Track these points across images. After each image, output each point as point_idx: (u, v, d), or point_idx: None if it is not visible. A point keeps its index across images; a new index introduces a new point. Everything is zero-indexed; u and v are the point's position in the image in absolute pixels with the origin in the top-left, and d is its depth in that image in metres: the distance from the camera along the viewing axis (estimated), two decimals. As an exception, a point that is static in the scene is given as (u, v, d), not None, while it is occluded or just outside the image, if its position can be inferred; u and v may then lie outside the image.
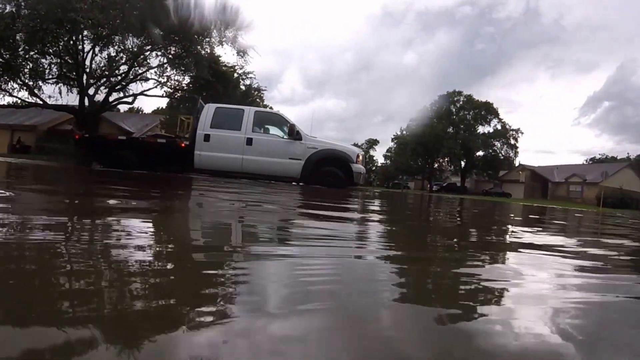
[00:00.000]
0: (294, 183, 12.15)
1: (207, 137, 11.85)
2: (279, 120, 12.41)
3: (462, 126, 64.60)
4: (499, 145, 64.91)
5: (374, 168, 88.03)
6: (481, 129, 66.14)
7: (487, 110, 65.63)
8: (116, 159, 12.08)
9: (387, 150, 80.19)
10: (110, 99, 29.54)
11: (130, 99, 30.90)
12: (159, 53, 27.38)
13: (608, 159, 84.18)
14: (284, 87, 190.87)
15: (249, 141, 11.81)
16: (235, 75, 30.94)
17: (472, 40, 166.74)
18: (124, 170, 11.50)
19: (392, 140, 73.15)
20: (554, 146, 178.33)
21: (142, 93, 29.92)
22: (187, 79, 29.39)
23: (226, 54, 43.18)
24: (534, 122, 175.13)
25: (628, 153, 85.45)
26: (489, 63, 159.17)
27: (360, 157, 12.20)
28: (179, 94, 30.85)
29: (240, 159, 11.80)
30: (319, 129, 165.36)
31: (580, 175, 60.01)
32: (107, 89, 28.97)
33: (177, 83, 29.76)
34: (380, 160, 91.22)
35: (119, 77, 28.95)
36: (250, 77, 32.12)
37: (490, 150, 64.35)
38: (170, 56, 26.86)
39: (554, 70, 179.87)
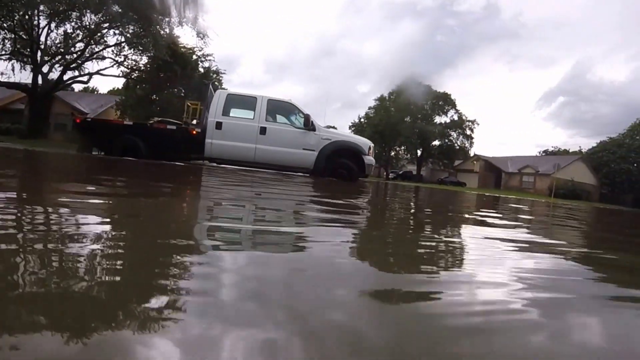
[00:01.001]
0: (300, 174, 11.96)
1: (219, 125, 11.50)
2: (292, 110, 12.12)
3: (419, 115, 65.86)
4: (455, 135, 66.52)
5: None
6: (438, 119, 67.58)
7: (445, 101, 67.12)
8: (120, 145, 11.67)
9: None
10: (65, 77, 29.47)
11: (85, 78, 30.99)
12: (117, 31, 27.44)
13: (560, 151, 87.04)
14: (244, 71, 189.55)
15: (263, 130, 11.53)
16: (194, 57, 31.03)
17: (433, 32, 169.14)
18: (129, 158, 11.16)
19: (350, 127, 73.83)
20: (508, 138, 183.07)
21: (98, 72, 30.01)
22: (144, 59, 29.47)
23: (185, 35, 43.07)
24: (490, 114, 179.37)
25: (580, 146, 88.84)
26: (449, 55, 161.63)
27: (371, 149, 12.08)
28: (136, 74, 30.79)
29: (253, 149, 11.53)
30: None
31: (533, 166, 62.13)
32: (61, 67, 28.87)
33: (134, 63, 29.91)
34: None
35: (75, 55, 28.85)
36: (210, 60, 32.28)
37: (447, 140, 65.91)
38: (128, 35, 26.88)
39: (512, 64, 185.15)
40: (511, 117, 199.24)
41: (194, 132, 11.84)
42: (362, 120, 70.91)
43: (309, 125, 11.66)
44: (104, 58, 29.19)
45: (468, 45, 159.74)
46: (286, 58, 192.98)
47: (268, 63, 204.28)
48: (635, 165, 58.85)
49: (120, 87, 41.33)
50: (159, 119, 14.12)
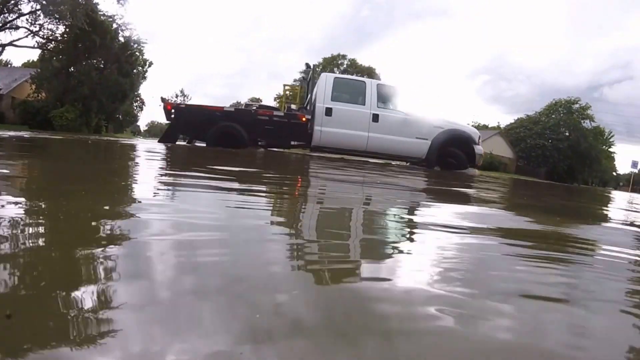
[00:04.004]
0: (407, 163, 11.97)
1: (329, 111, 10.89)
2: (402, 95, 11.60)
3: (345, 89, 67.41)
4: (379, 109, 68.55)
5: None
6: (364, 93, 69.17)
7: (370, 75, 68.85)
8: (219, 133, 11.00)
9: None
10: (-25, 49, 28.59)
11: (-3, 50, 29.98)
12: (32, -2, 26.82)
13: (480, 126, 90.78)
14: (167, 41, 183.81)
15: (375, 117, 10.90)
16: (114, 25, 30.72)
17: (359, 6, 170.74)
18: (226, 148, 10.46)
19: (275, 99, 74.61)
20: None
21: (11, 43, 29.33)
22: (61, 29, 29.11)
23: (105, 2, 42.25)
24: (414, 89, 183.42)
25: (499, 122, 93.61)
26: (376, 30, 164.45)
27: (480, 139, 11.63)
28: (52, 45, 30.30)
29: (365, 137, 10.95)
30: (202, 85, 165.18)
31: (454, 139, 64.88)
32: (-29, 39, 27.97)
33: (50, 32, 29.43)
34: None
35: (-15, 25, 28.01)
36: (130, 29, 32.05)
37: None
38: (43, 2, 26.44)
39: (438, 42, 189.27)
40: (435, 93, 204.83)
41: (304, 119, 11.11)
42: (287, 92, 71.82)
43: (423, 112, 11.22)
44: (17, 28, 28.68)
45: (395, 21, 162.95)
46: (210, 28, 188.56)
47: (191, 33, 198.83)
48: (549, 141, 62.89)
49: (35, 59, 40.06)
50: (259, 104, 13.51)
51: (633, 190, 37.21)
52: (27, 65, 49.27)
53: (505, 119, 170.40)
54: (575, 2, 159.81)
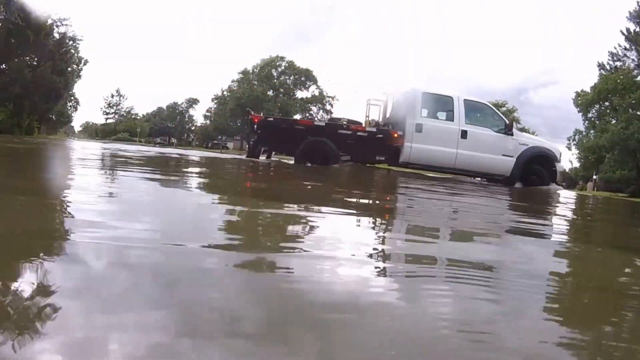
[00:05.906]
0: (477, 179, 11.87)
1: (419, 127, 10.70)
2: (488, 111, 11.52)
3: (282, 90, 67.49)
4: (315, 110, 69.05)
5: (193, 128, 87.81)
6: (300, 94, 69.84)
7: (307, 77, 69.44)
8: (308, 149, 10.66)
9: (207, 110, 79.79)
10: None
11: None
12: (-40, -11, 25.22)
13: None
14: (102, 38, 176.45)
15: (464, 134, 10.71)
16: (50, 21, 29.26)
17: (302, 7, 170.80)
18: (314, 164, 10.31)
19: (212, 100, 73.67)
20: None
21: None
22: (-7, 22, 27.40)
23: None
24: (348, 91, 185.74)
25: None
26: (315, 32, 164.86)
27: (561, 155, 11.68)
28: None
29: (454, 154, 10.72)
30: (140, 85, 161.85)
31: (387, 139, 66.22)
32: None
33: (-19, 27, 27.56)
34: (200, 120, 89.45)
35: None
36: (66, 25, 30.71)
37: (307, 114, 68.19)
38: (-27, -6, 24.84)
39: (375, 44, 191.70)
40: (372, 94, 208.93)
41: (396, 135, 10.83)
42: (225, 93, 70.92)
43: (511, 129, 11.00)
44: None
45: (335, 23, 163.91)
46: (144, 27, 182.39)
47: (128, 32, 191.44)
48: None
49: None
50: (347, 118, 12.56)
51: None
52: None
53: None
54: (505, 7, 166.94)
